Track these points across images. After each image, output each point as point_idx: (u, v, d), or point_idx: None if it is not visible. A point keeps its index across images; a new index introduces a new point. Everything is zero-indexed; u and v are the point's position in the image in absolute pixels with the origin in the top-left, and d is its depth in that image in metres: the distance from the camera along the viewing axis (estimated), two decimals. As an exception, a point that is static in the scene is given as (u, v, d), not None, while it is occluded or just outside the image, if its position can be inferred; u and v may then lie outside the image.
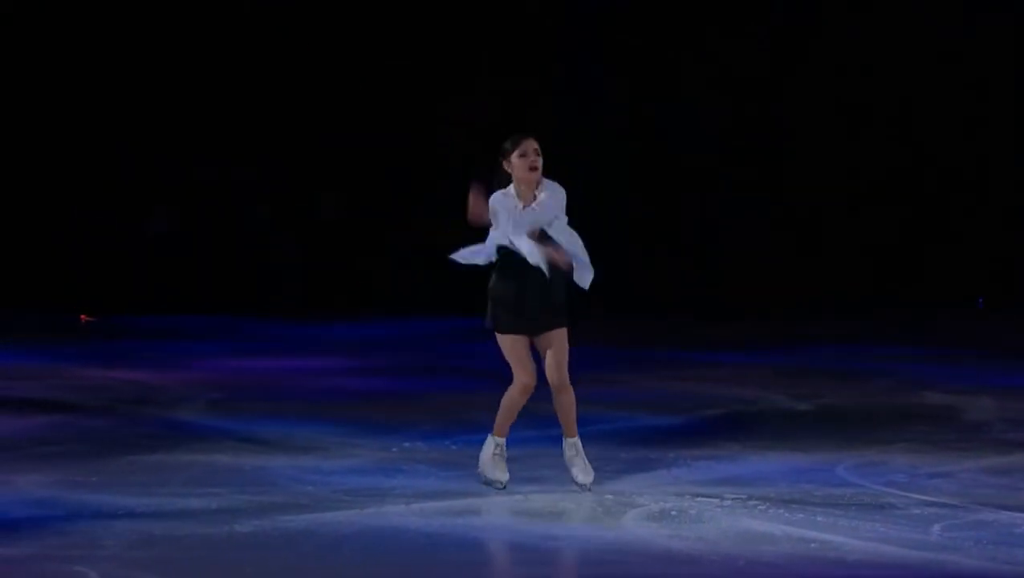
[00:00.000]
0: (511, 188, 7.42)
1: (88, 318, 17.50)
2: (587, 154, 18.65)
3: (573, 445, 7.55)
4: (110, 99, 18.87)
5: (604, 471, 7.82)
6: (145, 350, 14.60)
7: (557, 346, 7.45)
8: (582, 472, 7.48)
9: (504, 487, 7.48)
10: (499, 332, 7.49)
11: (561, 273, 7.38)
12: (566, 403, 7.51)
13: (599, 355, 13.72)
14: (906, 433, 9.66)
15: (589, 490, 7.40)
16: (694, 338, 15.88)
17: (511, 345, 7.48)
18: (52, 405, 10.76)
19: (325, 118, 19.44)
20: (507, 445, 7.64)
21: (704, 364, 13.95)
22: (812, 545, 6.42)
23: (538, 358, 7.49)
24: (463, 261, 7.57)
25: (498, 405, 7.62)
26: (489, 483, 7.52)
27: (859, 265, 19.81)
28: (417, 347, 15.35)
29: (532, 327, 7.47)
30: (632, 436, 9.42)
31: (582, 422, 10.10)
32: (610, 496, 7.36)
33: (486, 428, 7.75)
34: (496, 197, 7.41)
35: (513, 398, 7.52)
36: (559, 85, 19.38)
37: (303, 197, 19.70)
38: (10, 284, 18.31)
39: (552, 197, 7.38)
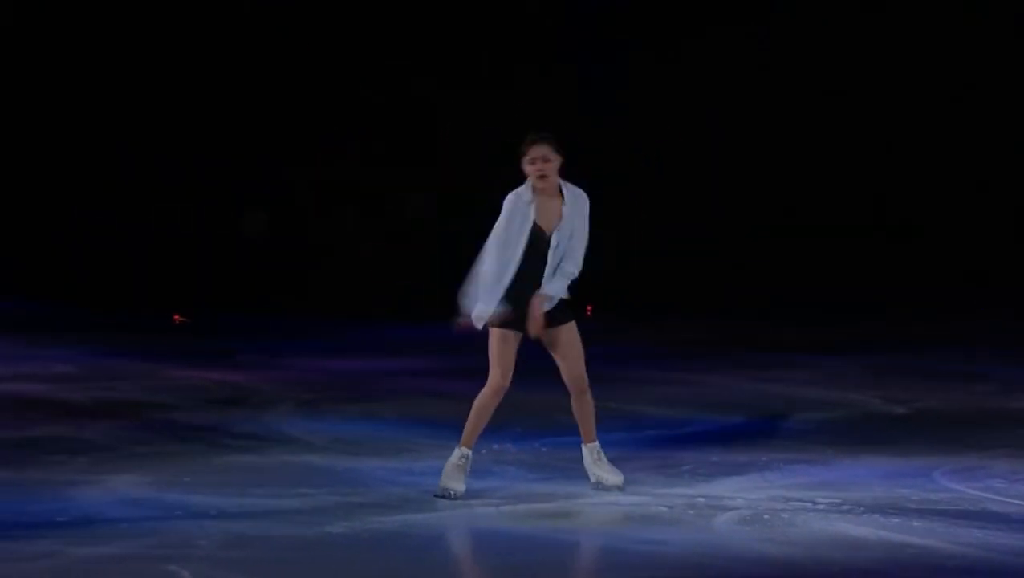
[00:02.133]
0: (527, 186, 7.37)
1: (181, 318, 17.74)
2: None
3: (596, 449, 7.53)
4: (206, 100, 19.13)
5: (696, 474, 7.81)
6: (238, 350, 14.76)
7: (568, 342, 7.42)
8: (611, 473, 7.45)
9: (456, 497, 7.33)
10: (491, 325, 7.39)
11: (563, 271, 7.36)
12: (587, 405, 7.49)
13: (688, 355, 13.69)
14: (1006, 438, 9.54)
15: (622, 490, 7.39)
16: (785, 338, 15.78)
17: (500, 341, 7.39)
18: (146, 406, 10.92)
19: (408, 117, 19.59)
20: (603, 447, 7.59)
21: (798, 365, 13.86)
22: (908, 550, 6.38)
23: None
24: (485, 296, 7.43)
25: (597, 410, 7.61)
26: (443, 493, 7.36)
27: (963, 264, 19.57)
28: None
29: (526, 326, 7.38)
30: (723, 438, 9.39)
31: (674, 425, 10.12)
32: (702, 499, 7.34)
33: (575, 430, 7.73)
34: (510, 198, 7.37)
35: (485, 400, 7.48)
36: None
37: (390, 198, 19.84)
38: (104, 284, 18.61)
39: (575, 215, 7.33)
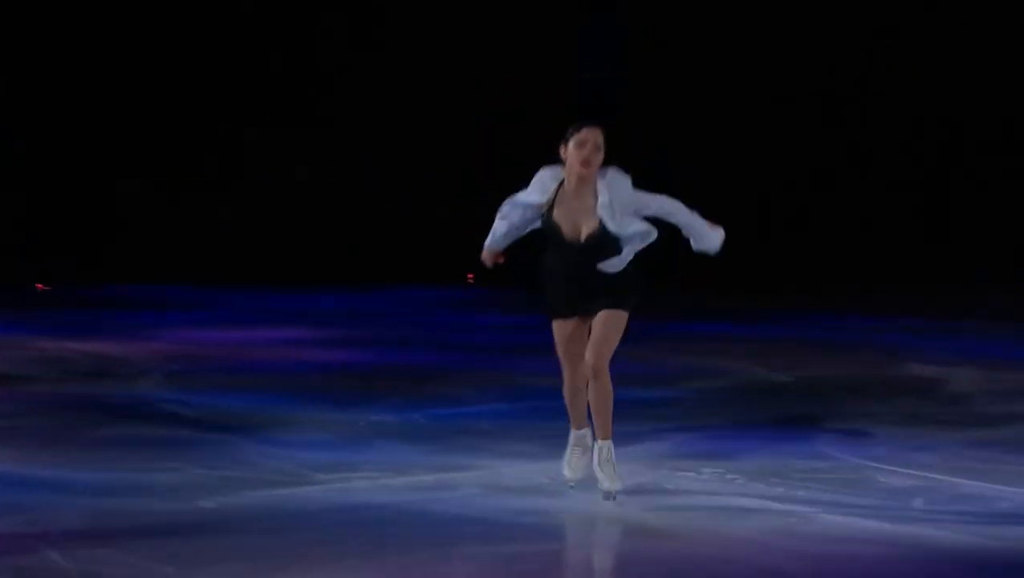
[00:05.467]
0: (559, 173, 6.70)
1: (43, 287, 17.45)
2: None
3: (607, 448, 6.73)
4: (69, 65, 18.79)
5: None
6: (105, 321, 14.58)
7: (603, 325, 6.68)
8: (609, 478, 6.70)
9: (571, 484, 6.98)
10: (551, 317, 6.87)
11: (630, 245, 6.67)
12: (601, 393, 6.70)
13: None
14: (888, 405, 9.75)
15: (614, 499, 6.72)
16: (674, 310, 15.94)
17: (559, 334, 6.83)
18: (9, 378, 10.72)
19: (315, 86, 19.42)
20: (479, 419, 7.58)
21: (685, 336, 14.01)
22: (791, 519, 6.49)
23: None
24: (500, 240, 6.94)
25: (468, 379, 7.57)
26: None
27: (850, 239, 19.91)
28: (389, 319, 15.36)
29: (588, 308, 6.76)
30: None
31: (542, 394, 10.14)
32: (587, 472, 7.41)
33: (462, 401, 7.74)
34: (545, 173, 6.73)
35: (569, 398, 6.98)
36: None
37: (274, 164, 19.68)
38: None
39: (617, 196, 6.60)
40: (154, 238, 18.89)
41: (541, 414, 9.35)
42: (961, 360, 11.96)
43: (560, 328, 6.82)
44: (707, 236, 6.78)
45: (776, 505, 6.64)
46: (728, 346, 12.97)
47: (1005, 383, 10.92)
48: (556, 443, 8.16)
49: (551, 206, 6.69)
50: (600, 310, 6.69)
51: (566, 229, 6.66)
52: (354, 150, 19.62)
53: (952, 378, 10.99)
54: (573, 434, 7.00)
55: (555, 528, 6.40)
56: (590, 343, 6.70)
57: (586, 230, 6.63)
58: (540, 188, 6.68)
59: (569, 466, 6.97)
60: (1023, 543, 6.20)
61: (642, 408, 9.48)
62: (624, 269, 6.68)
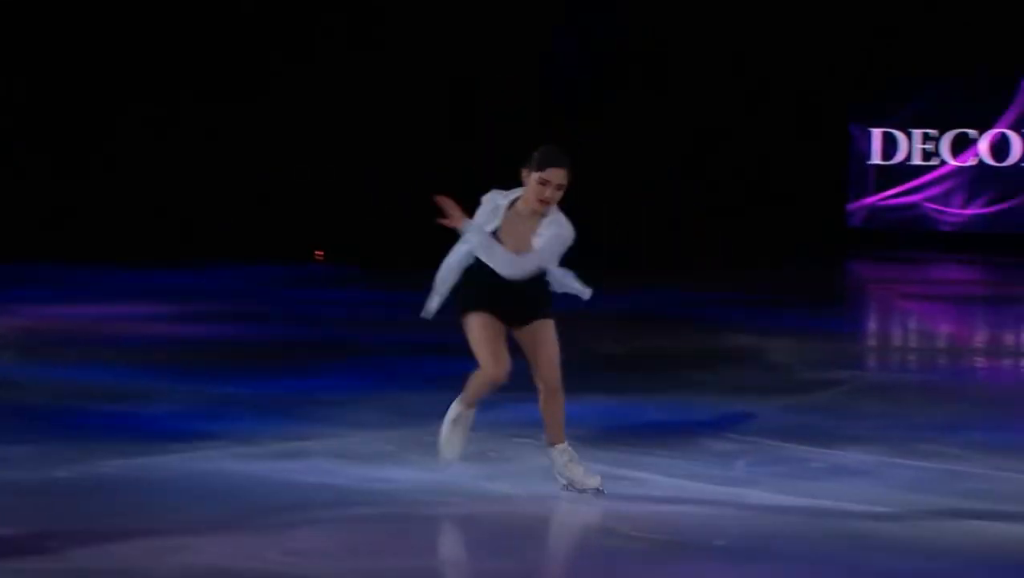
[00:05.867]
0: (514, 194, 6.24)
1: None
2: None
3: (567, 451, 6.35)
4: None
5: (422, 414, 7.81)
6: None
7: (544, 338, 6.27)
8: (589, 476, 6.30)
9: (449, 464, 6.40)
10: (467, 311, 6.23)
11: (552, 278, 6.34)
12: (558, 406, 6.32)
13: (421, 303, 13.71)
14: (713, 375, 9.85)
15: (602, 492, 6.27)
16: None
17: (480, 324, 6.19)
18: None
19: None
20: (328, 390, 7.46)
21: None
22: (622, 482, 6.50)
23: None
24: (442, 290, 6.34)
25: (317, 352, 7.44)
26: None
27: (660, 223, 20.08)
28: (242, 295, 15.13)
29: (509, 316, 6.27)
30: (452, 381, 9.42)
31: (407, 366, 10.10)
32: (430, 438, 7.35)
33: (311, 373, 7.62)
34: (497, 196, 6.26)
35: (479, 384, 6.31)
36: None
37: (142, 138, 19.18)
38: None
39: (556, 239, 6.18)
40: (10, 215, 18.32)
41: (387, 385, 9.30)
42: (779, 332, 12.14)
43: (481, 323, 6.20)
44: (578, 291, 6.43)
45: (607, 469, 6.64)
46: (558, 319, 12.98)
47: (819, 353, 11.11)
48: (402, 412, 8.12)
49: (499, 227, 6.22)
50: (531, 321, 6.26)
51: (507, 246, 6.18)
52: (210, 129, 19.21)
53: (771, 349, 11.15)
54: (461, 411, 6.35)
55: (400, 494, 6.33)
56: (546, 361, 6.25)
57: (524, 251, 6.18)
58: (493, 212, 6.21)
59: (450, 445, 6.34)
60: (834, 499, 6.28)
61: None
62: (542, 288, 6.32)
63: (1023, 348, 12.16)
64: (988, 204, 20.37)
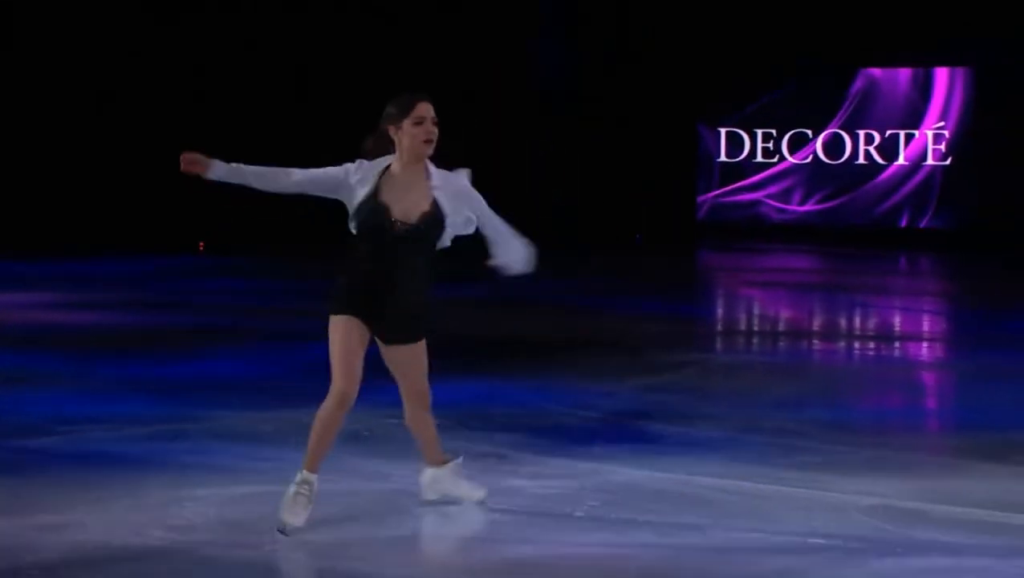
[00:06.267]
0: (385, 160, 5.40)
1: None
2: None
3: (457, 465, 5.74)
4: None
5: (308, 397, 7.71)
6: None
7: (416, 355, 5.52)
8: (476, 488, 5.77)
9: (286, 534, 5.32)
10: (333, 314, 5.37)
11: (424, 273, 5.44)
12: (429, 423, 5.68)
13: (291, 290, 13.56)
14: (572, 357, 9.88)
15: (485, 502, 5.76)
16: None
17: (343, 332, 5.32)
18: None
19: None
20: (209, 375, 7.33)
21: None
22: (489, 459, 6.49)
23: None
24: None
25: (202, 337, 7.31)
26: (280, 527, 5.33)
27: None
28: (126, 283, 14.81)
29: (380, 326, 5.42)
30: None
31: (270, 351, 9.96)
32: (308, 419, 7.26)
33: (197, 356, 7.48)
34: (364, 164, 5.41)
35: (329, 413, 5.36)
36: None
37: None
38: None
39: (472, 191, 5.45)
40: None
41: (267, 368, 9.18)
42: (634, 317, 12.22)
43: (344, 329, 5.34)
44: (514, 247, 5.59)
45: (476, 447, 6.62)
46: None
47: (671, 336, 11.19)
48: (280, 394, 8.01)
49: (375, 193, 5.34)
50: (398, 339, 5.47)
51: (396, 211, 5.32)
52: (94, 121, 18.72)
53: (627, 333, 11.21)
54: (305, 475, 5.40)
55: (280, 471, 6.25)
56: (411, 380, 5.54)
57: (417, 212, 5.33)
58: (361, 178, 5.36)
59: (294, 513, 5.34)
60: (687, 472, 6.34)
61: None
62: (420, 300, 5.45)
63: (855, 332, 12.40)
64: (823, 200, 20.74)
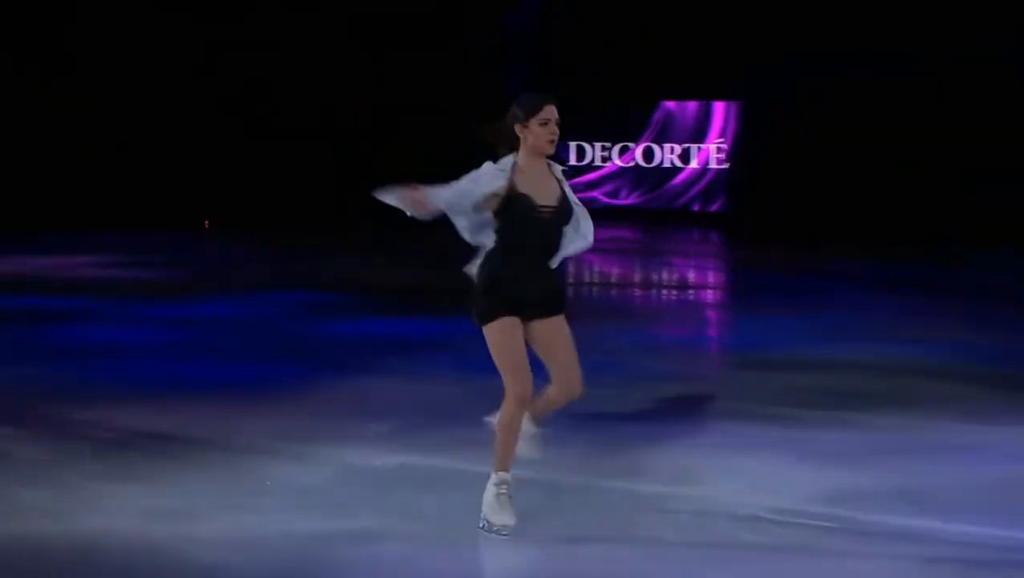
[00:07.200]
0: (509, 160, 4.33)
1: None
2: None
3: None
4: None
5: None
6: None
7: (569, 341, 4.29)
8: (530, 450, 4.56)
9: (508, 534, 4.22)
10: (485, 324, 4.22)
11: (559, 253, 4.37)
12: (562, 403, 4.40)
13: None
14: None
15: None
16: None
17: (503, 336, 4.17)
18: None
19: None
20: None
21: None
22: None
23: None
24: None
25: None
26: (492, 529, 4.24)
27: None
28: (151, 251, 13.96)
29: (533, 308, 4.28)
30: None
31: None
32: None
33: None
34: (489, 166, 4.33)
35: (511, 416, 4.21)
36: None
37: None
38: None
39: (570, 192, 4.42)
40: None
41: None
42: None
43: (501, 332, 4.19)
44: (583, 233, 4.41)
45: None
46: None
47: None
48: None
49: (512, 186, 4.28)
50: (549, 316, 4.28)
51: (536, 196, 4.30)
52: (99, 100, 16.05)
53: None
54: (502, 476, 4.27)
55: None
56: (569, 365, 4.28)
57: (553, 193, 4.34)
58: (492, 177, 4.28)
59: (507, 513, 4.26)
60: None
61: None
62: (561, 279, 4.41)
63: (663, 282, 12.73)
64: (642, 194, 21.31)
